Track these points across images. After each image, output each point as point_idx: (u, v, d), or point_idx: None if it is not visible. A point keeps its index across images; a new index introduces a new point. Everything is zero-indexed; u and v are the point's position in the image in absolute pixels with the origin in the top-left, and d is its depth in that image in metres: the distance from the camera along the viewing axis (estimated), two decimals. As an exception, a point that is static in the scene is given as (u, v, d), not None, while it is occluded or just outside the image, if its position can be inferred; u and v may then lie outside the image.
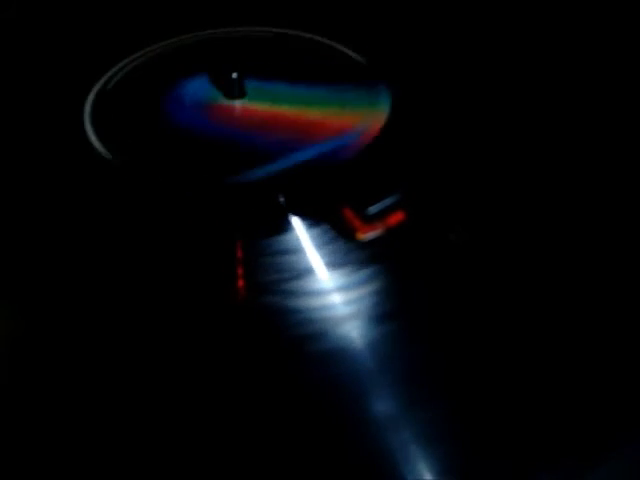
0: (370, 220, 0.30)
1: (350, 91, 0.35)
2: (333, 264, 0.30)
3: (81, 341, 0.29)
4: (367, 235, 0.30)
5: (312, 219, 0.30)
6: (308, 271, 0.29)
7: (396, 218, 0.30)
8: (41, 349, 0.29)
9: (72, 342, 0.29)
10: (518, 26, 0.38)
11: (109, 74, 0.36)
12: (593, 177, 0.33)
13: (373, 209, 0.30)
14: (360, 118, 0.33)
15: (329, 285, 0.29)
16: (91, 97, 0.35)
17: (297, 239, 0.30)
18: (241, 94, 0.34)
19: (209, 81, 0.35)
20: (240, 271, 0.29)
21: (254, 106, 0.34)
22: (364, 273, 0.30)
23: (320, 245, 0.30)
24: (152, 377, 0.28)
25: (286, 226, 0.30)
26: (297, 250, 0.30)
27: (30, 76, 0.37)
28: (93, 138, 0.33)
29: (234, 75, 0.34)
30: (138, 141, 0.33)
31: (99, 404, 0.28)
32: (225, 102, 0.34)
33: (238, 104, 0.34)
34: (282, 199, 0.30)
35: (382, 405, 0.28)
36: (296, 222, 0.30)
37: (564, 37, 0.37)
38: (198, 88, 0.35)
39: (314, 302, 0.29)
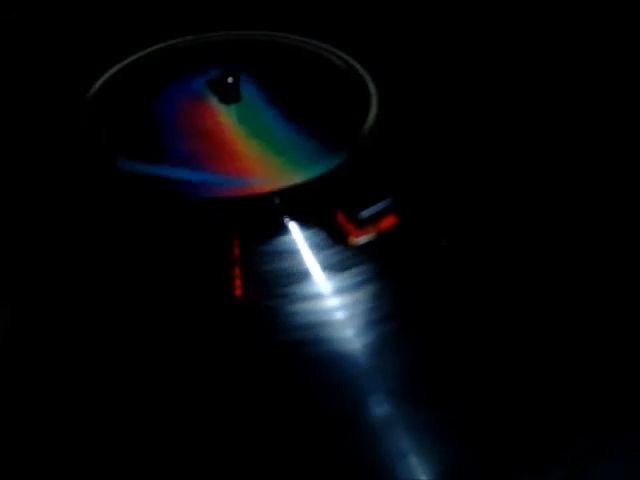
0: (362, 224, 0.30)
1: (304, 141, 0.34)
2: (327, 268, 0.30)
3: (80, 341, 0.29)
4: (359, 239, 0.30)
5: (305, 223, 0.30)
6: (303, 275, 0.30)
7: (388, 222, 0.30)
8: (41, 349, 0.29)
9: (71, 342, 0.29)
10: (509, 29, 0.38)
11: (108, 74, 0.36)
12: (587, 182, 0.33)
13: (365, 213, 0.30)
14: (274, 171, 0.32)
15: (323, 289, 0.29)
16: (90, 97, 0.35)
17: (293, 242, 0.30)
18: (236, 99, 0.34)
19: (205, 84, 0.35)
20: (236, 274, 0.29)
21: (228, 119, 0.34)
22: (357, 277, 0.30)
23: (315, 249, 0.30)
24: (150, 380, 0.28)
25: (282, 230, 0.30)
26: (292, 254, 0.30)
27: (30, 76, 0.37)
28: (93, 138, 0.33)
29: (230, 80, 0.34)
30: (137, 141, 0.33)
31: (97, 404, 0.28)
32: (214, 106, 0.34)
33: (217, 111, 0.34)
34: (278, 203, 0.31)
35: (379, 408, 0.28)
36: (292, 226, 0.30)
37: (558, 37, 0.37)
38: (193, 89, 0.35)
39: (309, 306, 0.29)
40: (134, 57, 0.36)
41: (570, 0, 0.38)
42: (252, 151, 0.33)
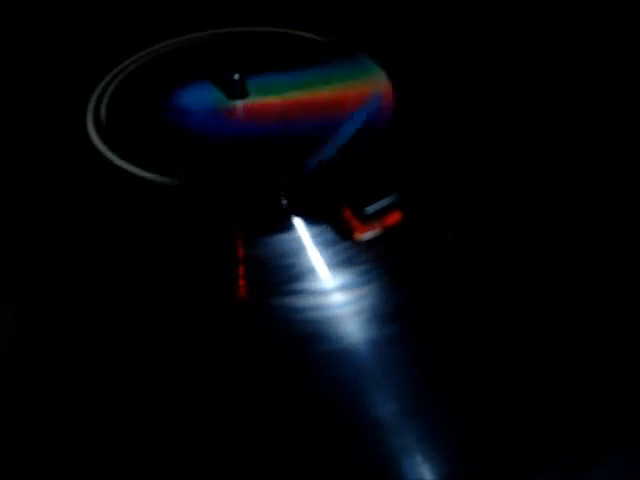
0: (368, 220, 0.30)
1: (341, 67, 0.35)
2: (333, 264, 0.30)
3: (83, 339, 0.29)
4: (365, 235, 0.30)
5: (311, 219, 0.30)
6: (309, 271, 0.30)
7: (394, 218, 0.30)
8: (43, 348, 0.29)
9: (73, 339, 0.29)
10: (519, 28, 0.38)
11: (110, 74, 0.36)
12: (592, 181, 0.33)
13: (371, 209, 0.30)
14: (365, 85, 0.34)
15: (328, 285, 0.29)
16: (93, 98, 0.35)
17: (298, 238, 0.30)
18: (243, 94, 0.34)
19: (212, 82, 0.35)
20: (241, 271, 0.29)
21: (262, 102, 0.34)
22: (362, 273, 0.30)
23: (321, 245, 0.30)
24: (154, 377, 0.28)
25: (287, 225, 0.30)
26: (298, 250, 0.30)
27: (31, 76, 0.37)
28: (95, 138, 0.33)
29: (236, 76, 0.34)
30: (141, 141, 0.33)
31: (101, 403, 0.28)
32: (230, 103, 0.34)
33: (245, 102, 0.34)
34: (283, 199, 0.31)
35: (385, 406, 0.28)
36: (297, 221, 0.30)
37: (563, 35, 0.37)
38: (202, 89, 0.35)
39: (314, 302, 0.29)
40: (135, 57, 0.36)
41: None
42: (328, 94, 0.34)
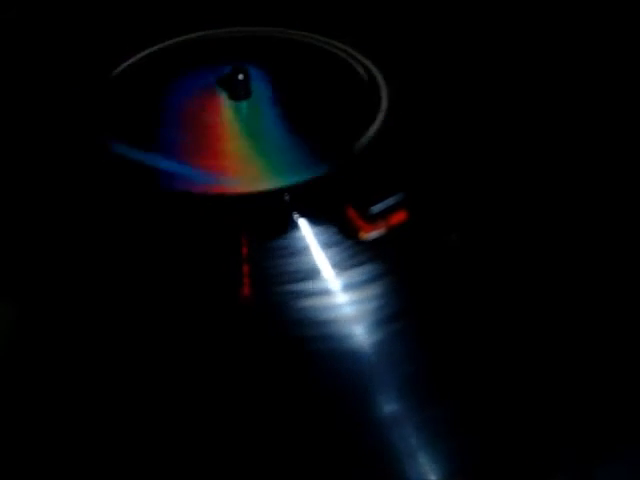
0: (373, 219, 0.30)
1: (295, 145, 0.33)
2: (337, 264, 0.30)
3: (87, 339, 0.29)
4: (370, 234, 0.30)
5: (316, 219, 0.30)
6: (313, 271, 0.29)
7: (399, 217, 0.30)
8: (46, 346, 0.29)
9: (76, 336, 0.29)
10: (518, 27, 0.38)
11: (110, 74, 0.36)
12: (593, 179, 0.33)
13: (376, 209, 0.30)
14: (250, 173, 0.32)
15: (333, 285, 0.29)
16: (92, 97, 0.35)
17: (302, 239, 0.30)
18: (246, 95, 0.34)
19: (215, 80, 0.35)
20: (245, 270, 0.29)
21: (229, 115, 0.34)
22: (367, 273, 0.30)
23: (325, 245, 0.30)
24: (156, 376, 0.28)
25: (291, 226, 0.30)
26: (302, 250, 0.30)
27: (31, 76, 0.36)
28: (94, 138, 0.33)
29: (240, 77, 0.34)
30: (141, 138, 0.33)
31: (103, 403, 0.28)
32: (220, 103, 0.34)
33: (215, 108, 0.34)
34: (287, 199, 0.30)
35: (387, 405, 0.28)
36: (301, 222, 0.30)
37: (563, 35, 0.38)
38: (204, 88, 0.35)
39: (319, 302, 0.29)
40: (137, 56, 0.36)
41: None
42: (238, 150, 0.33)
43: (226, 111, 0.34)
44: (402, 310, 0.29)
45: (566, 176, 0.33)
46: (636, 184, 0.33)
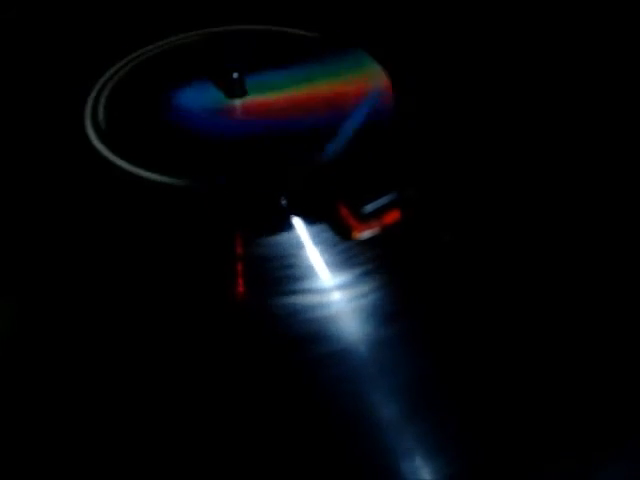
0: (366, 219, 0.30)
1: (337, 63, 0.35)
2: (331, 263, 0.30)
3: (81, 339, 0.29)
4: (363, 234, 0.30)
5: (310, 218, 0.30)
6: (307, 270, 0.29)
7: (392, 217, 0.30)
8: (42, 347, 0.29)
9: (73, 338, 0.29)
10: (519, 27, 0.38)
11: (109, 74, 0.36)
12: (592, 179, 0.33)
13: (369, 208, 0.30)
14: (363, 80, 0.34)
15: (326, 284, 0.29)
16: (91, 97, 0.35)
17: (297, 238, 0.30)
18: (242, 93, 0.34)
19: (211, 81, 0.35)
20: (240, 270, 0.29)
21: (261, 100, 0.34)
22: (361, 272, 0.30)
23: (319, 244, 0.30)
24: (151, 377, 0.28)
25: (286, 225, 0.30)
26: (297, 249, 0.30)
27: (30, 76, 0.37)
28: (93, 137, 0.33)
29: (235, 75, 0.34)
30: (139, 140, 0.33)
31: (98, 403, 0.28)
32: (229, 102, 0.34)
33: (244, 101, 0.34)
34: (283, 198, 0.30)
35: (385, 406, 0.28)
36: (296, 221, 0.30)
37: (564, 34, 0.37)
38: (201, 88, 0.35)
39: (312, 302, 0.29)
40: (135, 54, 0.36)
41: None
42: (328, 89, 0.34)
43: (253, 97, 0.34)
44: (396, 310, 0.29)
45: (560, 176, 0.33)
46: (631, 185, 0.32)
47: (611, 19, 0.38)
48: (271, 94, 0.34)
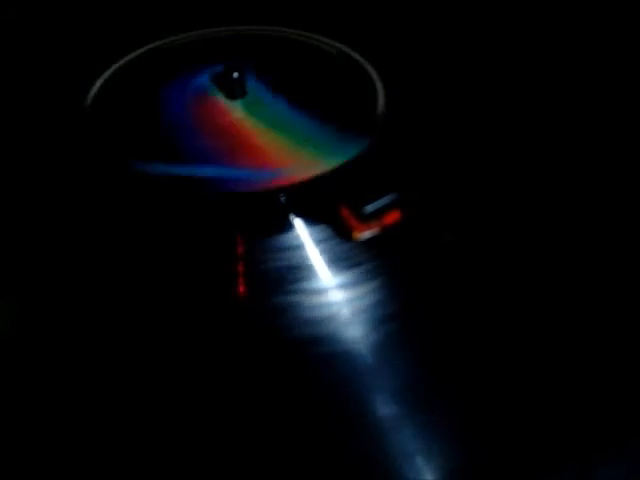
0: (366, 219, 0.30)
1: (323, 132, 0.33)
2: (331, 264, 0.30)
3: (81, 339, 0.29)
4: (363, 234, 0.30)
5: (310, 218, 0.30)
6: (308, 271, 0.29)
7: (393, 217, 0.30)
8: (41, 347, 0.29)
9: (75, 337, 0.29)
10: (515, 28, 0.38)
11: (108, 73, 0.36)
12: (592, 179, 0.33)
13: (369, 208, 0.30)
14: (301, 160, 0.32)
15: (327, 285, 0.29)
16: (90, 96, 0.35)
17: (297, 238, 0.30)
18: (242, 94, 0.34)
19: (209, 80, 0.35)
20: (241, 270, 0.29)
21: (239, 114, 0.34)
22: (361, 273, 0.30)
23: (320, 245, 0.30)
24: (153, 377, 0.28)
25: (287, 225, 0.30)
26: (297, 249, 0.30)
27: (30, 76, 0.37)
28: (92, 137, 0.33)
29: (235, 75, 0.34)
30: (137, 139, 0.33)
31: (99, 402, 0.28)
32: (221, 102, 0.34)
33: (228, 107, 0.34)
34: (283, 198, 0.30)
35: (384, 406, 0.28)
36: (297, 221, 0.30)
37: (560, 35, 0.37)
38: (198, 86, 0.35)
39: (313, 302, 0.29)
40: (135, 54, 0.36)
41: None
42: (271, 143, 0.33)
43: (231, 110, 0.34)
44: (396, 310, 0.29)
45: (560, 176, 0.33)
46: (632, 185, 0.32)
47: (611, 19, 0.38)
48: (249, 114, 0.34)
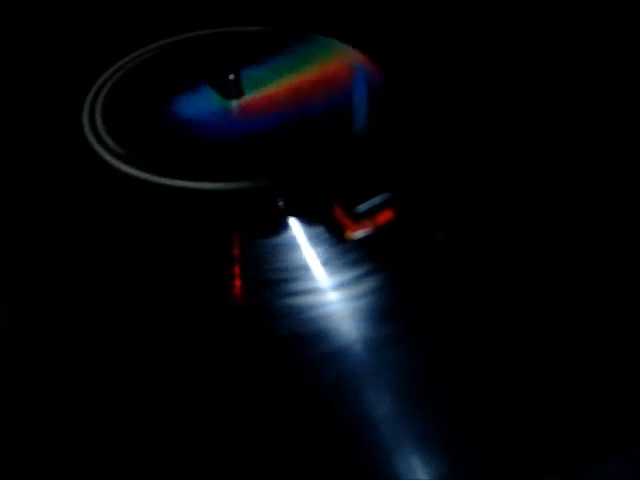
0: (359, 218, 0.30)
1: (304, 50, 0.36)
2: (325, 263, 0.30)
3: (79, 340, 0.29)
4: (356, 233, 0.30)
5: (306, 219, 0.30)
6: (303, 271, 0.29)
7: (385, 217, 0.30)
8: (39, 348, 0.29)
9: (72, 340, 0.29)
10: (513, 27, 0.38)
11: (107, 74, 0.36)
12: (586, 178, 0.33)
13: (362, 208, 0.30)
14: (338, 59, 0.34)
15: (321, 284, 0.29)
16: (90, 97, 0.35)
17: (293, 238, 0.30)
18: (238, 94, 0.34)
19: (208, 84, 0.35)
20: (237, 271, 0.29)
21: (258, 97, 0.34)
22: (354, 272, 0.30)
23: (313, 244, 0.30)
24: (150, 377, 0.28)
25: (283, 226, 0.30)
26: (293, 249, 0.30)
27: (30, 76, 0.37)
28: (91, 137, 0.33)
29: (231, 77, 0.34)
30: (138, 139, 0.33)
31: (96, 402, 0.28)
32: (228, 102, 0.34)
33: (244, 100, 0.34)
34: (280, 200, 0.30)
35: (381, 406, 0.28)
36: (292, 222, 0.30)
37: (557, 35, 0.37)
38: (197, 88, 0.35)
39: (309, 301, 0.29)
40: (134, 55, 0.36)
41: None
42: (315, 75, 0.34)
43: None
44: (391, 309, 0.29)
45: (553, 175, 0.32)
46: (626, 185, 0.32)
47: (611, 19, 0.38)
48: (266, 89, 0.34)
